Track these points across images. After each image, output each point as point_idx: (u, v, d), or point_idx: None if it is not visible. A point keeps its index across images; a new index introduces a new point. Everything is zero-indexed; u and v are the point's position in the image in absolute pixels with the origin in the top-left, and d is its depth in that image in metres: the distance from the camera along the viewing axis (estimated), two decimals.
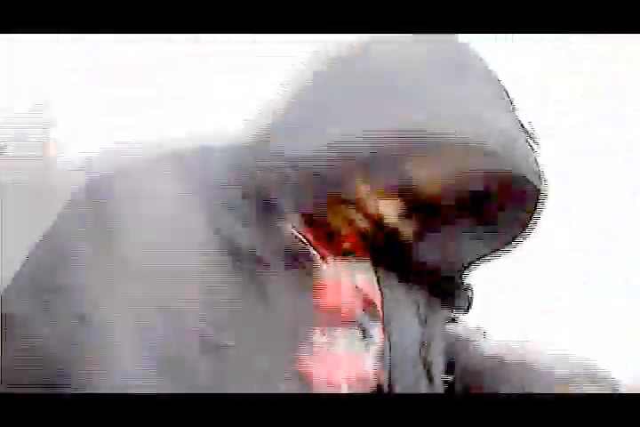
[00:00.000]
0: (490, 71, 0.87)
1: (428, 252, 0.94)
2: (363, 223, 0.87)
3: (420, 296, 0.98)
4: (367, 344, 0.91)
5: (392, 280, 0.97)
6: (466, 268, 0.95)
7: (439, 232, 0.94)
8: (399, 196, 0.87)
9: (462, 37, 0.89)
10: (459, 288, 0.96)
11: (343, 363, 0.88)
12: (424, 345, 0.96)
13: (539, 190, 0.86)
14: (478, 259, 0.94)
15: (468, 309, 0.98)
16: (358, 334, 0.91)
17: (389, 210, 0.86)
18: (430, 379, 0.96)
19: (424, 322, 0.98)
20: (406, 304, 0.97)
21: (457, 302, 0.97)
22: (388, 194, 0.86)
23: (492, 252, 0.93)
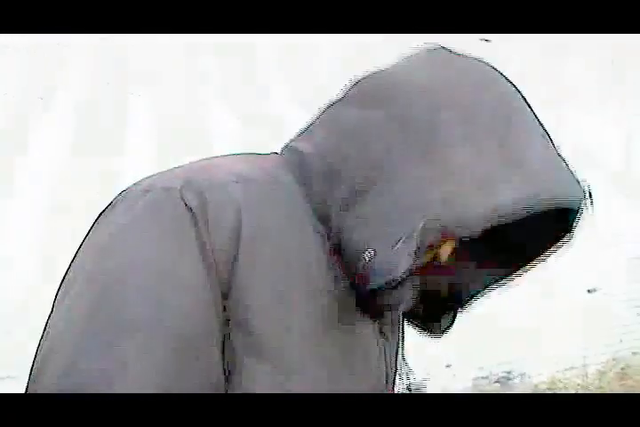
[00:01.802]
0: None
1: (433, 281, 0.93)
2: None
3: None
4: None
5: None
6: (471, 297, 0.94)
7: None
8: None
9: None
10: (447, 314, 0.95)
11: None
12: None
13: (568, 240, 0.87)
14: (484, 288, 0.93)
15: (443, 333, 0.96)
16: None
17: (445, 250, 0.85)
18: None
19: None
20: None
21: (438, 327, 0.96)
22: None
23: (497, 282, 0.92)
